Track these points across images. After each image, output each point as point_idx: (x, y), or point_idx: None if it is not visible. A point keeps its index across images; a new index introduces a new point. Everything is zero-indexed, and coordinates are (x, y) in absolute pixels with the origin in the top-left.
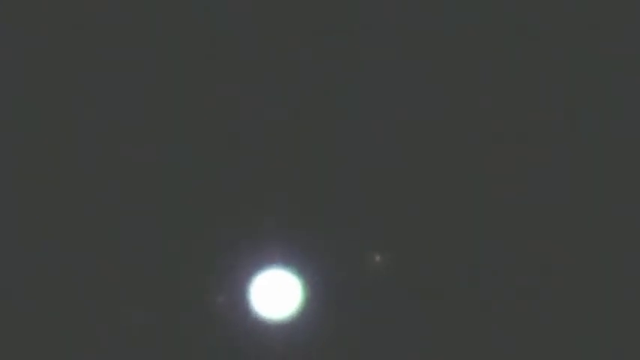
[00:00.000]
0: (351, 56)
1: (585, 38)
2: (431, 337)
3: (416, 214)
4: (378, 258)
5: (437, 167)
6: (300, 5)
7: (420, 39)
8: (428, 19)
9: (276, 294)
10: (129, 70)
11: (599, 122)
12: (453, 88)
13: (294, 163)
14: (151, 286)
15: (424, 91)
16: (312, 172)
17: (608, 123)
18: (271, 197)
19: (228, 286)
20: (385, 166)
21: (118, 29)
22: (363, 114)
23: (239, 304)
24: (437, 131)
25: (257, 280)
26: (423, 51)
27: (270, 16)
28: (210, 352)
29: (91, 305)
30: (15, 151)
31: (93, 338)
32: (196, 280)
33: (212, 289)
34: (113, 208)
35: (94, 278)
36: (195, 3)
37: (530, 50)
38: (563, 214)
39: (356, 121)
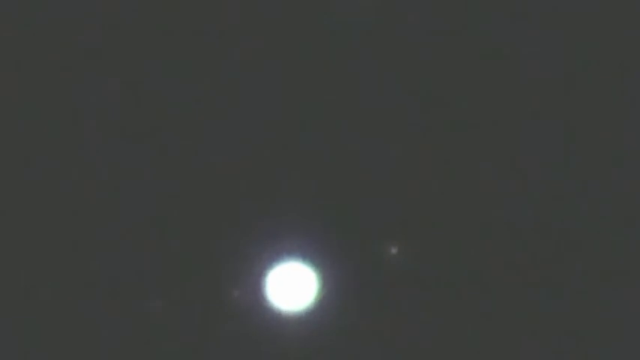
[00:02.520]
0: (350, 56)
1: (585, 38)
2: (446, 329)
3: (432, 207)
4: (394, 250)
5: (448, 163)
6: (300, 5)
7: (420, 39)
8: (428, 19)
9: (291, 287)
10: (129, 70)
11: (599, 122)
12: (453, 88)
13: (309, 156)
14: (167, 280)
15: (425, 90)
16: (327, 166)
17: (608, 123)
18: (286, 190)
19: (243, 280)
20: (400, 160)
21: (118, 29)
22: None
23: (255, 297)
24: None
25: (273, 273)
26: (423, 51)
27: (270, 16)
28: (227, 346)
29: (105, 300)
30: (15, 151)
31: (107, 333)
32: (212, 273)
33: (228, 282)
34: (130, 201)
35: (108, 273)
36: (195, 3)
37: (531, 50)
38: (564, 213)
39: (364, 117)
